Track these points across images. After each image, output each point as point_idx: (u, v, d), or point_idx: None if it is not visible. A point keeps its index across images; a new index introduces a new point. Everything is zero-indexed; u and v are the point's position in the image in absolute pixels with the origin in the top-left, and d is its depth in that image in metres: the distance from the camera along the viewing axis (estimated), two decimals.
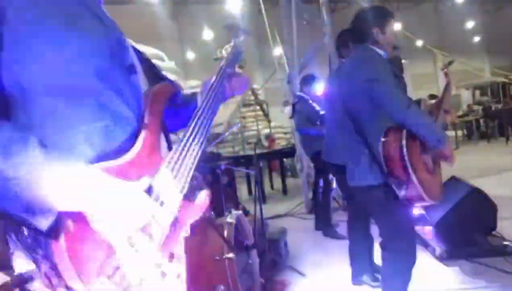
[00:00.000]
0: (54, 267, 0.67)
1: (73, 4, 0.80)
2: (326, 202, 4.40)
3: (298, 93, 4.71)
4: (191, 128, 0.92)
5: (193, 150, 0.90)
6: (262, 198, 3.86)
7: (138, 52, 0.99)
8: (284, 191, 7.04)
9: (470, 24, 17.31)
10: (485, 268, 2.82)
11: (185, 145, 0.89)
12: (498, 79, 14.33)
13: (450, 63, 2.52)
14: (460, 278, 2.77)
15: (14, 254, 0.72)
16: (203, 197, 0.92)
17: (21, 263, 0.71)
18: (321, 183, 4.35)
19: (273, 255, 3.23)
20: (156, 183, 0.80)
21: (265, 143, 7.99)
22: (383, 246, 2.19)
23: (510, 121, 9.63)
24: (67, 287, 0.67)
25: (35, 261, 0.69)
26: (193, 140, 0.91)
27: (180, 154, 0.88)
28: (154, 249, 0.78)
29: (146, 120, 0.84)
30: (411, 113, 1.89)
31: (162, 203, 0.80)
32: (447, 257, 3.05)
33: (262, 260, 2.85)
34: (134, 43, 1.03)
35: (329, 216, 4.34)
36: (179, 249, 0.87)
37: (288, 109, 5.32)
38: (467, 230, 3.08)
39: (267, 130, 8.95)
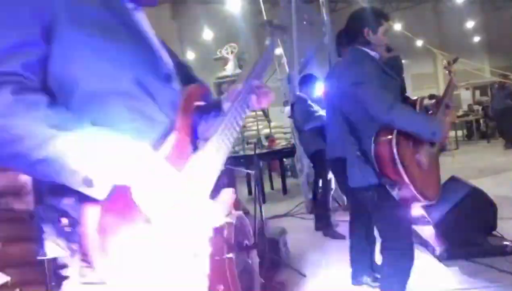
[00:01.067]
0: (86, 258, 0.72)
1: (113, 21, 0.86)
2: (325, 201, 4.40)
3: (297, 93, 4.71)
4: (215, 134, 0.94)
5: (217, 154, 0.94)
6: (262, 198, 3.86)
7: (172, 55, 1.03)
8: (284, 191, 7.04)
9: (470, 24, 17.28)
10: (485, 268, 2.82)
11: (210, 148, 0.92)
12: (498, 79, 14.31)
13: (454, 61, 2.50)
14: (460, 278, 2.77)
15: (46, 239, 0.78)
16: (227, 195, 0.95)
17: (53, 249, 0.77)
18: (320, 182, 4.35)
19: (273, 255, 3.23)
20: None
21: (265, 143, 7.98)
22: (381, 246, 2.19)
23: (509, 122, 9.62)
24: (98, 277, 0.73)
25: (71, 249, 0.75)
26: (217, 145, 0.94)
27: (205, 157, 0.91)
28: (181, 243, 0.81)
29: (177, 122, 0.88)
30: (396, 112, 1.89)
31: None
32: (447, 257, 3.05)
33: (262, 260, 2.85)
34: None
35: (328, 216, 4.34)
36: (202, 246, 0.89)
37: (288, 109, 5.32)
38: (467, 230, 3.08)
39: (267, 130, 8.94)
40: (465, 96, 14.83)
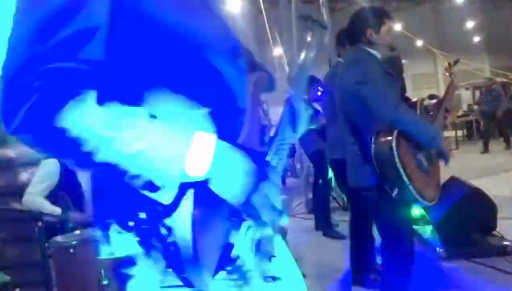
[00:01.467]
0: (171, 259, 0.65)
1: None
2: (325, 201, 4.39)
3: None
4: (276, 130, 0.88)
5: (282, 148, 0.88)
6: None
7: (236, 40, 0.96)
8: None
9: (470, 24, 17.27)
10: (485, 268, 2.82)
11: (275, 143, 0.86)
12: (498, 79, 14.31)
13: (455, 63, 2.48)
14: (460, 278, 2.77)
15: (111, 237, 0.72)
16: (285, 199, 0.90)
17: (121, 247, 0.71)
18: (321, 182, 4.35)
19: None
20: None
21: None
22: (382, 246, 2.19)
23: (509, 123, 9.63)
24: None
25: (146, 248, 0.68)
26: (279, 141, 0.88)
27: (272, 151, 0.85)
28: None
29: (249, 111, 0.81)
30: (400, 113, 1.89)
31: None
32: (447, 257, 3.05)
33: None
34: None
35: (328, 216, 4.34)
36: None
37: None
38: (467, 230, 3.08)
39: None
40: (465, 96, 14.84)
